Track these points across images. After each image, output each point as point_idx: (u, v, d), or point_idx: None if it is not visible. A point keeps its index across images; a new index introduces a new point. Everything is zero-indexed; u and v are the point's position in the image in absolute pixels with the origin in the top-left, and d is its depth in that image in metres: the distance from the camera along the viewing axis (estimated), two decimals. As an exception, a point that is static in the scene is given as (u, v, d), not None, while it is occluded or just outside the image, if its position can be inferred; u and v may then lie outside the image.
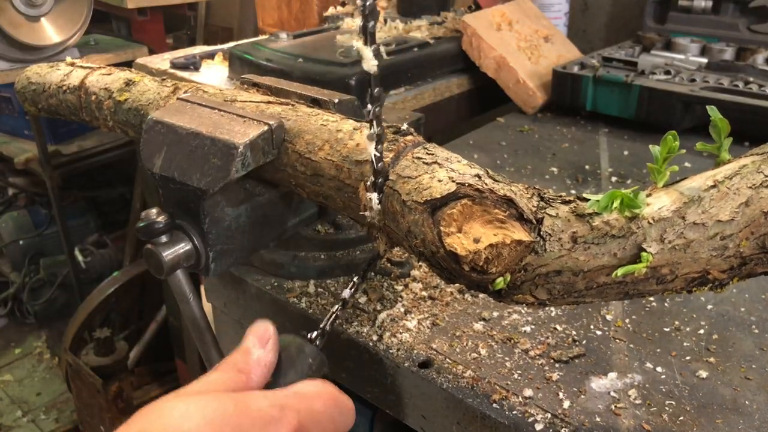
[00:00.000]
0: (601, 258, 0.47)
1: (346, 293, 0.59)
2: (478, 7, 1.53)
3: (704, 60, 1.35)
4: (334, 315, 0.57)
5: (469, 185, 0.49)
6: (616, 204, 0.47)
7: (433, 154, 0.54)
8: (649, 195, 0.49)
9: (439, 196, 0.49)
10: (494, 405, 0.60)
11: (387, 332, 0.69)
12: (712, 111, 0.50)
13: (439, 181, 0.50)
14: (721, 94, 1.16)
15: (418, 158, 0.54)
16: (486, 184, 0.49)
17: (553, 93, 1.34)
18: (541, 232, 0.48)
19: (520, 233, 0.47)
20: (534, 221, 0.48)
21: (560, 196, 0.51)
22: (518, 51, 1.37)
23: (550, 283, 0.49)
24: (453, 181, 0.49)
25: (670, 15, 1.53)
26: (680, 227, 0.46)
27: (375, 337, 0.68)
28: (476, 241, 0.47)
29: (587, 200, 0.49)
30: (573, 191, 1.00)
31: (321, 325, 0.55)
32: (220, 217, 0.64)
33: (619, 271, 0.46)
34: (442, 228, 0.48)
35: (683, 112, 1.18)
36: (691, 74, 1.26)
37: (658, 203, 0.47)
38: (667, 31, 1.51)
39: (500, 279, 0.48)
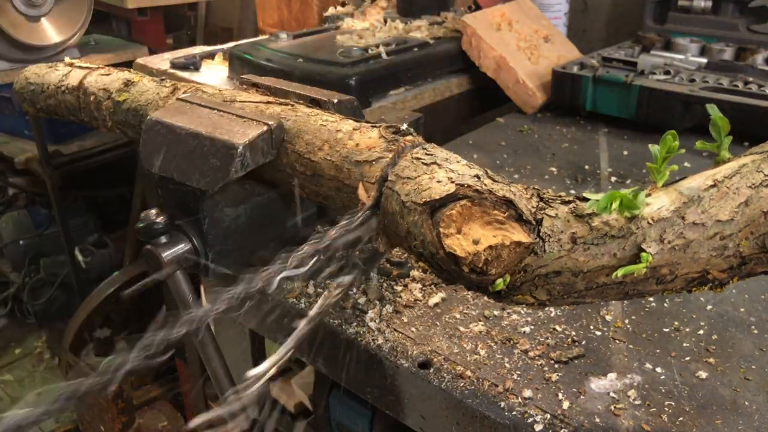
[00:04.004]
0: (601, 258, 0.47)
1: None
2: (478, 7, 1.53)
3: (704, 60, 1.35)
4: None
5: (469, 186, 0.49)
6: (615, 204, 0.47)
7: (432, 155, 0.54)
8: (648, 195, 0.48)
9: (438, 197, 0.49)
10: (493, 405, 0.59)
11: (386, 332, 0.69)
12: (712, 109, 0.50)
13: (439, 182, 0.50)
14: (721, 94, 1.16)
15: (417, 159, 0.54)
16: (485, 185, 0.49)
17: (552, 93, 1.33)
18: (541, 233, 0.48)
19: (519, 234, 0.47)
20: (533, 222, 0.48)
21: (559, 197, 0.51)
22: (518, 51, 1.37)
23: (549, 284, 0.49)
24: (452, 182, 0.49)
25: (669, 15, 1.52)
26: (680, 227, 0.46)
27: (374, 338, 0.68)
28: (476, 242, 0.47)
29: (587, 200, 0.49)
30: (573, 191, 1.00)
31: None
32: (219, 217, 0.64)
33: (619, 272, 0.46)
34: (441, 229, 0.48)
35: (683, 112, 1.18)
36: (690, 74, 1.26)
37: (658, 203, 0.47)
38: (667, 31, 1.51)
39: (500, 280, 0.48)
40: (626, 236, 0.47)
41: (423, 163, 0.53)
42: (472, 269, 0.47)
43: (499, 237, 0.47)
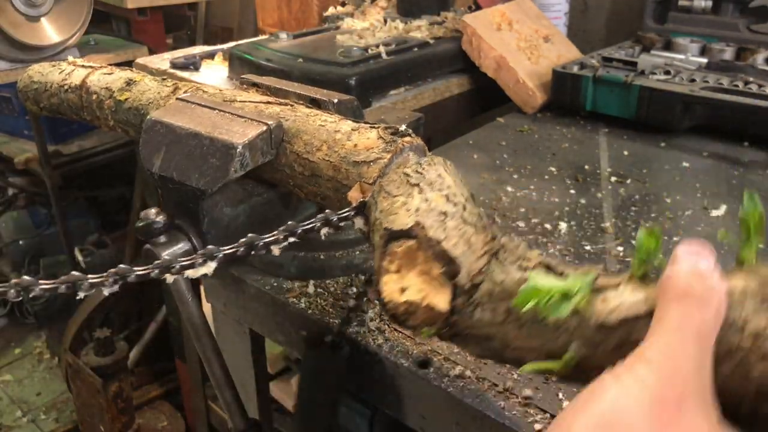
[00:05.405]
0: (532, 341, 0.42)
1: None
2: (478, 7, 1.53)
3: (704, 60, 1.35)
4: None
5: (423, 227, 0.45)
6: (532, 303, 0.41)
7: (421, 174, 0.50)
8: (618, 285, 0.41)
9: (396, 229, 0.46)
10: (494, 405, 0.59)
11: (386, 332, 0.69)
12: (749, 197, 0.40)
13: (407, 210, 0.47)
14: (721, 94, 1.16)
15: (406, 175, 0.51)
16: (445, 228, 0.45)
17: (552, 93, 1.34)
18: (473, 299, 0.44)
19: (439, 298, 0.44)
20: (468, 287, 0.44)
21: (529, 258, 0.45)
22: (518, 51, 1.37)
23: (480, 345, 0.45)
24: (415, 215, 0.46)
25: (670, 15, 1.52)
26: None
27: (374, 337, 0.68)
28: (402, 290, 0.44)
29: (552, 270, 0.43)
30: (572, 191, 1.00)
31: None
32: (218, 217, 0.64)
33: (542, 365, 0.42)
34: (384, 263, 0.45)
35: (683, 112, 1.18)
36: (691, 74, 1.26)
37: (618, 300, 0.40)
38: (667, 31, 1.51)
39: (425, 329, 0.45)
40: (559, 330, 0.41)
41: (408, 182, 0.50)
42: (392, 315, 0.45)
43: (421, 294, 0.44)
